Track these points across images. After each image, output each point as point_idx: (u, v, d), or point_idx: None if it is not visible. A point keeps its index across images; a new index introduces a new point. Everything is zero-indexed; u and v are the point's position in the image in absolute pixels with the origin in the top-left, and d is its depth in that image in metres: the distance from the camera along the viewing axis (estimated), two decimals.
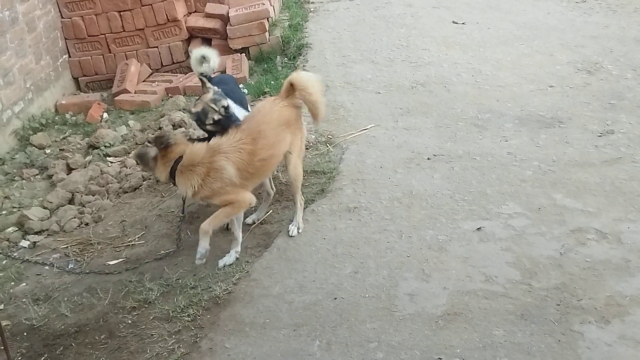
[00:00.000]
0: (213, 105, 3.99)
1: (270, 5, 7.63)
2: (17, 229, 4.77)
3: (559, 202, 4.27)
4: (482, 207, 4.30)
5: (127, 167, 5.43)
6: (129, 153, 5.73)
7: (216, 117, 3.99)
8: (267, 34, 7.33)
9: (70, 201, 5.07)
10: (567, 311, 3.36)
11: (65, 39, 7.21)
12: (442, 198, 4.46)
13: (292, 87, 4.14)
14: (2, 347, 3.12)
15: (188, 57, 7.35)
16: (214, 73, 4.76)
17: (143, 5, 7.16)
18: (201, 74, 4.52)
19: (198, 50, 4.64)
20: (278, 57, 7.21)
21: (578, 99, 5.68)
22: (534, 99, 5.76)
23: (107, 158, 5.70)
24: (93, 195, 5.08)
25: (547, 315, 3.35)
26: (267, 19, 7.40)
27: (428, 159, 4.97)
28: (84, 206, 4.97)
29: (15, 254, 4.50)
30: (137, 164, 3.99)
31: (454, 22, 7.84)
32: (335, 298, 3.64)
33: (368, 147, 5.22)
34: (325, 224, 4.31)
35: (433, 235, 4.08)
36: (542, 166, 4.70)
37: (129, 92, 6.84)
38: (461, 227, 4.13)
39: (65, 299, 3.97)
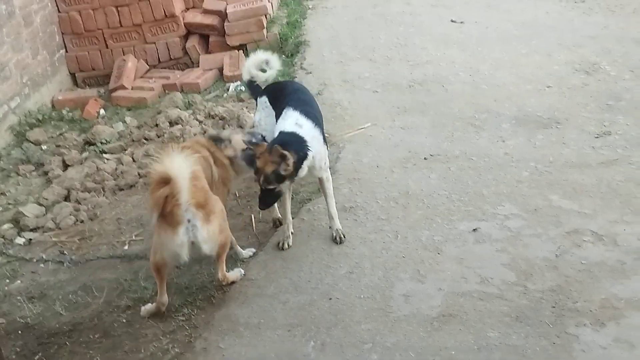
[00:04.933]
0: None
1: (269, 2, 7.61)
2: (12, 225, 4.76)
3: (555, 204, 4.27)
4: (478, 208, 4.30)
5: (123, 164, 5.41)
6: (125, 150, 5.71)
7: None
8: (265, 31, 7.31)
9: (66, 198, 5.06)
10: (562, 313, 3.36)
11: (62, 33, 7.18)
12: (439, 198, 4.45)
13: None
14: None
15: (185, 53, 7.36)
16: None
17: (141, 1, 7.12)
18: (250, 79, 4.46)
19: (262, 54, 4.50)
20: (276, 54, 7.16)
21: (575, 100, 5.67)
22: (531, 99, 5.75)
23: (104, 155, 5.67)
24: (89, 192, 5.07)
25: (542, 317, 3.35)
26: (265, 15, 7.37)
27: (425, 158, 4.97)
28: (79, 203, 4.96)
29: (10, 251, 4.50)
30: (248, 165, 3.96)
31: (452, 21, 7.82)
32: (330, 298, 3.64)
33: (365, 146, 5.21)
34: (321, 223, 4.31)
35: (429, 236, 4.08)
36: (538, 167, 4.70)
37: (126, 89, 6.81)
38: (457, 227, 4.13)
39: (60, 297, 3.97)
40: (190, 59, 7.35)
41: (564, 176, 4.56)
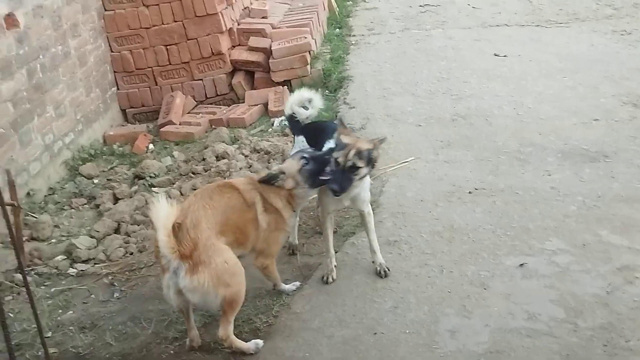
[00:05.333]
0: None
1: (312, 38, 7.77)
2: (65, 257, 4.90)
3: (605, 239, 4.19)
4: (525, 243, 4.25)
5: (171, 198, 5.54)
6: (173, 183, 5.86)
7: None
8: (308, 66, 7.46)
9: (116, 230, 5.20)
10: (615, 352, 3.28)
11: (114, 72, 7.46)
12: (484, 233, 4.43)
13: None
14: None
15: (231, 89, 7.55)
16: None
17: (189, 39, 7.37)
18: (292, 115, 4.54)
19: (306, 93, 4.60)
20: (319, 89, 7.28)
21: (623, 133, 5.60)
22: (577, 133, 5.70)
23: (152, 188, 5.83)
24: (138, 225, 5.20)
25: (594, 356, 3.27)
26: (309, 52, 7.53)
27: (469, 192, 4.95)
28: (129, 235, 5.09)
29: (63, 282, 4.63)
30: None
31: (495, 55, 7.85)
32: (375, 333, 3.63)
33: (408, 180, 5.23)
34: (364, 257, 4.32)
35: (475, 271, 4.04)
36: (586, 201, 4.63)
37: (174, 124, 7.02)
38: (503, 262, 4.09)
39: (110, 327, 4.05)
40: (236, 94, 7.54)
41: (612, 211, 4.49)
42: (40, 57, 5.95)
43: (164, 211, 3.29)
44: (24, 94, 5.68)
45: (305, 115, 4.58)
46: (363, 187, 3.98)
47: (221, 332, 3.51)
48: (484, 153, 5.55)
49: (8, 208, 5.00)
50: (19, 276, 4.59)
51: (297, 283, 4.14)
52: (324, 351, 3.55)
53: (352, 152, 3.71)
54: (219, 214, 3.57)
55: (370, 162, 3.79)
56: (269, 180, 3.83)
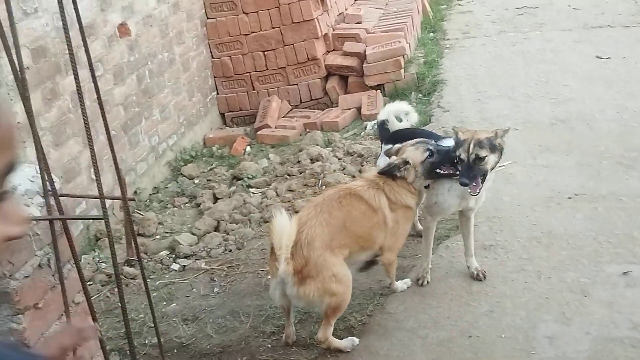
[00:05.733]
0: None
1: (407, 42, 7.78)
2: (169, 252, 5.17)
3: None
4: (629, 251, 4.09)
5: (268, 198, 5.73)
6: (269, 184, 6.05)
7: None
8: (402, 70, 7.47)
9: (216, 228, 5.43)
10: None
11: (215, 77, 7.78)
12: (585, 239, 4.29)
13: None
14: None
15: (325, 93, 7.68)
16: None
17: (285, 45, 7.57)
18: (384, 121, 4.56)
19: (406, 106, 4.65)
20: (412, 93, 7.31)
21: None
22: None
23: (250, 189, 6.04)
24: (236, 224, 5.41)
25: None
26: (403, 56, 7.55)
27: (569, 198, 4.81)
28: (228, 233, 5.30)
29: (166, 276, 4.89)
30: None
31: (597, 57, 7.56)
32: (470, 336, 3.61)
33: (505, 184, 5.14)
34: (459, 260, 4.29)
35: (574, 278, 3.93)
36: None
37: (270, 127, 7.23)
38: (605, 270, 3.95)
39: (211, 320, 4.24)
40: (330, 99, 7.67)
41: None
42: (149, 63, 6.32)
43: (286, 231, 3.33)
44: (134, 98, 6.05)
45: (396, 126, 4.60)
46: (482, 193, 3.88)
47: (320, 334, 3.59)
48: (585, 158, 5.37)
49: (119, 202, 5.36)
50: (127, 269, 4.89)
51: (408, 281, 4.13)
52: (418, 352, 3.57)
53: (472, 144, 3.61)
54: (338, 230, 3.57)
55: (495, 149, 3.67)
56: (391, 171, 3.72)
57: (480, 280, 4.04)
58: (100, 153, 5.48)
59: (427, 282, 4.13)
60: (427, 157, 3.74)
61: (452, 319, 3.77)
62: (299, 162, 6.26)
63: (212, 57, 7.72)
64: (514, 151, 5.66)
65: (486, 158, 3.64)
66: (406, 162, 3.72)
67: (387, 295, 4.09)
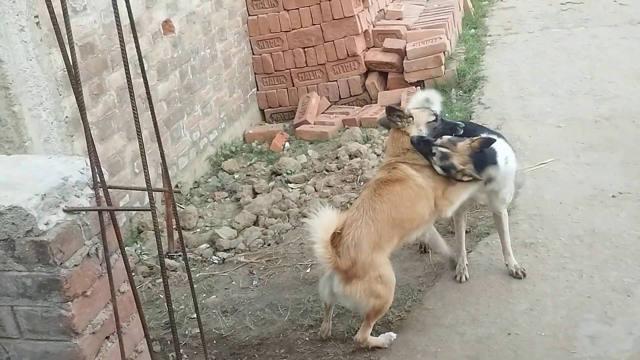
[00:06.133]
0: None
1: (447, 39, 7.72)
2: (209, 245, 5.25)
3: None
4: None
5: (306, 194, 5.76)
6: (308, 180, 6.08)
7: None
8: (442, 67, 7.42)
9: (255, 222, 5.49)
10: None
11: (255, 73, 7.85)
12: (629, 238, 4.21)
13: None
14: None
15: (365, 90, 7.68)
16: None
17: (325, 42, 7.58)
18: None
19: (423, 93, 4.65)
20: (453, 90, 7.25)
21: None
22: None
23: (288, 184, 6.08)
24: (275, 218, 5.45)
25: None
26: (444, 52, 7.49)
27: (613, 196, 4.72)
28: (267, 228, 5.36)
29: (206, 269, 4.97)
30: None
31: None
32: (509, 334, 3.58)
33: (546, 182, 5.07)
34: (498, 257, 4.25)
35: (617, 277, 3.86)
36: None
37: (309, 123, 7.26)
38: None
39: (250, 312, 4.29)
40: (369, 95, 7.66)
41: None
42: (191, 59, 6.41)
43: (323, 224, 3.38)
44: (176, 94, 6.15)
45: None
46: (502, 184, 3.87)
47: (359, 335, 3.60)
48: (630, 156, 5.26)
49: (161, 196, 5.46)
50: (168, 261, 4.99)
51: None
52: (457, 348, 3.55)
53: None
54: (386, 223, 3.56)
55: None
56: (392, 118, 3.81)
57: (520, 278, 4.00)
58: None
59: (465, 278, 4.10)
60: (431, 121, 3.82)
61: (490, 316, 3.74)
62: (337, 158, 6.28)
63: (253, 54, 7.79)
64: (556, 148, 5.59)
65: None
66: (410, 116, 3.81)
67: (425, 291, 4.09)
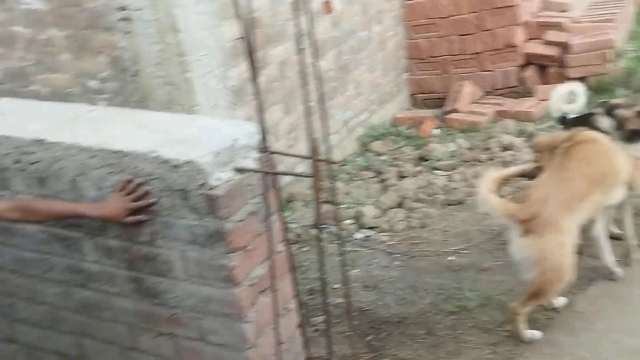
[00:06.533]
0: None
1: (616, 34, 7.26)
2: (353, 222, 5.36)
3: None
4: None
5: (453, 181, 5.70)
6: (455, 168, 6.01)
7: None
8: (609, 64, 6.99)
9: (400, 205, 5.52)
10: None
11: (408, 58, 7.83)
12: None
13: None
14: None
15: (520, 82, 7.41)
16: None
17: (484, 31, 7.39)
18: (562, 116, 4.44)
19: (565, 86, 4.53)
20: (619, 89, 6.81)
21: None
22: None
23: (435, 171, 6.05)
24: (420, 203, 5.46)
25: None
26: (612, 48, 7.05)
27: None
28: (411, 211, 5.37)
29: (349, 244, 5.08)
30: None
31: None
32: None
33: None
34: None
35: None
36: None
37: (460, 112, 7.14)
38: None
39: (390, 291, 4.35)
40: (525, 88, 7.39)
41: None
42: (349, 40, 6.53)
43: (489, 176, 3.49)
44: (332, 73, 6.30)
45: (572, 110, 4.37)
46: None
47: (516, 304, 3.51)
48: None
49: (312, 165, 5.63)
50: (314, 232, 5.16)
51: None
52: (609, 356, 3.38)
53: None
54: (577, 180, 3.47)
55: None
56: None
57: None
58: (296, 122, 5.81)
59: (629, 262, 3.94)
60: None
61: None
62: (488, 149, 6.15)
63: (408, 39, 7.77)
64: None
65: None
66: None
67: (577, 294, 3.92)
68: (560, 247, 3.38)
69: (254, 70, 2.34)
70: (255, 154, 2.52)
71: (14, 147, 2.69)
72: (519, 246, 3.41)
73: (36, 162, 2.65)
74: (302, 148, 5.77)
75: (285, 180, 6.08)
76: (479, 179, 3.53)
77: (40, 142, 2.63)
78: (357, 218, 5.37)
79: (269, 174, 2.47)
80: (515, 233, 3.44)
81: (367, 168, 6.31)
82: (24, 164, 2.69)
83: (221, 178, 2.36)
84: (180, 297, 2.58)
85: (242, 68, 4.96)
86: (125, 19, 4.58)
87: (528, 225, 3.35)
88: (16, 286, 2.99)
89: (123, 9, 4.54)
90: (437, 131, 6.97)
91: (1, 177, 2.76)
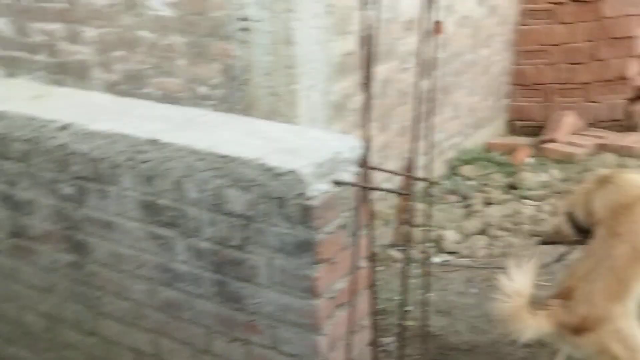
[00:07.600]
0: None
1: None
2: (433, 245, 5.38)
3: None
4: None
5: (542, 212, 5.60)
6: (545, 199, 5.88)
7: None
8: None
9: (483, 232, 5.48)
10: None
11: (511, 84, 7.71)
12: None
13: None
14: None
15: (627, 116, 7.13)
16: None
17: (596, 60, 7.17)
18: None
19: None
20: None
21: None
22: None
23: (524, 200, 5.95)
24: (505, 231, 5.40)
25: None
26: None
27: None
28: (494, 239, 5.33)
29: (428, 267, 5.10)
30: None
31: None
32: None
33: None
34: None
35: None
36: None
37: (558, 142, 6.97)
38: None
39: (463, 318, 4.35)
40: (631, 122, 7.11)
41: None
42: (454, 62, 6.53)
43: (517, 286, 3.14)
44: (432, 94, 6.31)
45: None
46: None
47: None
48: None
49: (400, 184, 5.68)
50: (392, 252, 5.22)
51: None
52: None
53: None
54: (625, 265, 3.01)
55: None
56: None
57: None
58: (389, 141, 5.88)
59: None
60: None
61: None
62: (582, 182, 5.97)
63: (514, 64, 7.65)
64: None
65: None
66: None
67: None
68: (620, 334, 2.99)
69: (368, 86, 2.43)
70: (354, 168, 2.57)
71: (129, 145, 2.80)
72: (575, 344, 3.11)
73: (147, 161, 2.76)
74: (392, 166, 5.84)
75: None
76: (504, 291, 3.14)
77: (154, 142, 2.73)
78: (438, 242, 5.38)
79: (366, 189, 2.53)
80: (564, 335, 3.11)
81: (453, 192, 6.28)
82: (135, 162, 2.80)
83: (319, 189, 2.40)
84: (261, 303, 2.63)
85: (345, 84, 5.08)
86: (244, 29, 4.73)
87: (578, 329, 3.04)
88: (106, 280, 3.11)
89: (245, 19, 4.69)
90: (530, 160, 6.84)
91: (112, 174, 2.90)
